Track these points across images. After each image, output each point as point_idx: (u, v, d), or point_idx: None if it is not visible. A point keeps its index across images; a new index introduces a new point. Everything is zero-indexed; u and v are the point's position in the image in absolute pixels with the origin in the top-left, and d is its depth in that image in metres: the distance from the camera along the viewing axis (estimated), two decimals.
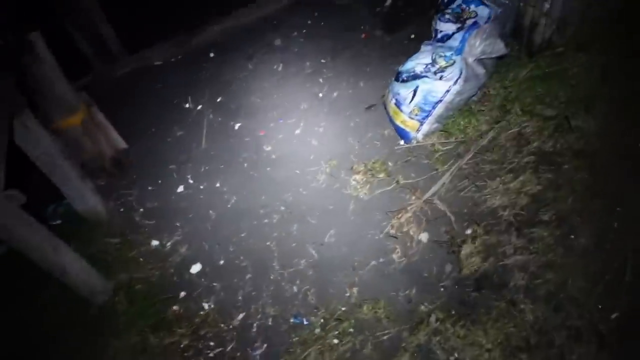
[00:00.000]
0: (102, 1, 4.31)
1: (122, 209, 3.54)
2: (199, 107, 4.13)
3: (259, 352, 2.69)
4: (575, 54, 3.08)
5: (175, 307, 2.94)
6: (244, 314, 2.85)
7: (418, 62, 3.33)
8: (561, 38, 3.21)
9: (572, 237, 2.48)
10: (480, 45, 3.18)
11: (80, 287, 2.58)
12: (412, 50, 3.59)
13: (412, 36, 4.10)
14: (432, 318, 2.45)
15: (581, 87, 2.96)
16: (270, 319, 2.79)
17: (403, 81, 3.28)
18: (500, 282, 2.47)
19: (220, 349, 2.73)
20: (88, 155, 3.54)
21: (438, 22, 3.49)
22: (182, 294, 3.01)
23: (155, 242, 3.31)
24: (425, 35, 3.67)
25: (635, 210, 2.47)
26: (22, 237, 2.23)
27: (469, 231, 2.71)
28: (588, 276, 2.35)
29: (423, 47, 3.46)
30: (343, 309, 2.68)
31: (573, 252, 2.43)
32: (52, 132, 3.25)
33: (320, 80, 4.00)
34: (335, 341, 2.55)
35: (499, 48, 3.22)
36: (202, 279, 3.06)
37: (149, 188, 3.67)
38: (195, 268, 3.14)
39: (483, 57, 3.22)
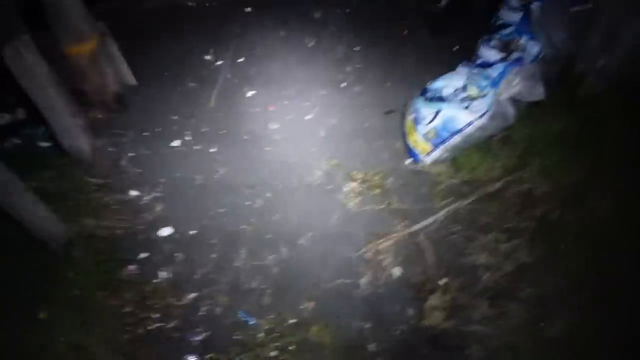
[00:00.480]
0: None
1: (111, 149, 3.43)
2: (219, 62, 3.95)
3: (197, 338, 2.61)
4: (617, 121, 2.81)
5: (131, 267, 2.86)
6: (196, 294, 2.76)
7: (449, 84, 3.12)
8: (608, 99, 2.93)
9: (544, 324, 2.30)
10: (519, 84, 2.95)
11: (33, 230, 2.50)
12: (450, 63, 3.36)
13: (456, 48, 3.82)
14: None
15: (611, 161, 2.70)
16: (219, 308, 2.70)
17: (427, 99, 3.08)
18: (456, 346, 2.34)
19: (162, 324, 2.66)
20: (91, 85, 3.43)
21: (482, 46, 3.23)
22: (143, 255, 2.92)
23: (134, 193, 3.22)
24: (469, 51, 3.41)
25: (622, 314, 2.26)
26: None
27: (442, 281, 2.55)
28: None
29: (459, 69, 3.23)
30: (293, 321, 2.58)
31: (540, 340, 2.26)
32: (57, 58, 3.16)
33: (348, 68, 3.79)
34: (273, 354, 2.46)
35: (538, 93, 2.98)
36: (168, 245, 2.97)
37: (145, 133, 3.55)
38: (165, 231, 3.04)
39: (518, 97, 2.98)
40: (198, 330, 2.63)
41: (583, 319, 2.29)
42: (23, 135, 3.44)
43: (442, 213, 2.81)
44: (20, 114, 3.59)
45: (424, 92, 3.12)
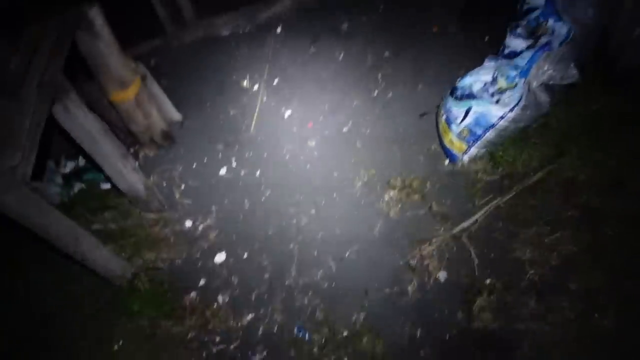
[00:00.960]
0: None
1: (164, 183, 3.65)
2: (255, 87, 4.09)
3: (258, 357, 2.75)
4: None
5: (192, 294, 3.04)
6: (253, 314, 2.90)
7: (477, 79, 3.08)
8: None
9: (596, 315, 2.24)
10: (549, 69, 2.87)
11: (99, 271, 2.73)
12: (482, 55, 3.32)
13: (487, 38, 3.77)
14: None
15: None
16: (276, 326, 2.82)
17: (457, 98, 3.06)
18: (506, 347, 2.33)
19: (224, 345, 2.82)
20: (139, 127, 3.66)
21: (508, 35, 3.18)
22: (202, 281, 3.11)
23: (188, 223, 3.41)
24: (500, 39, 3.36)
25: None
26: (44, 228, 2.36)
27: (488, 281, 2.54)
28: None
29: (486, 62, 3.18)
30: (345, 333, 2.66)
31: (592, 333, 2.21)
32: (103, 105, 3.42)
33: (379, 76, 3.82)
34: None
35: (571, 75, 2.90)
36: (224, 270, 3.14)
37: (194, 165, 3.75)
38: (220, 257, 3.21)
39: (550, 82, 2.90)
40: (258, 349, 2.77)
41: (636, 309, 2.21)
42: (85, 180, 3.74)
43: (482, 212, 2.79)
44: (82, 161, 3.90)
45: (453, 91, 3.10)
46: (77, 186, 3.77)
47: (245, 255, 3.17)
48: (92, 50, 3.12)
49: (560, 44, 2.97)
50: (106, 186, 3.69)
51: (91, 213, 3.38)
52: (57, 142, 3.85)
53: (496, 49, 3.37)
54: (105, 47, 3.15)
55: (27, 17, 2.84)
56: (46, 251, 3.16)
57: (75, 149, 3.67)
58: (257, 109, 3.94)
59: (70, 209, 3.35)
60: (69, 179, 3.79)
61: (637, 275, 2.29)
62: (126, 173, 3.17)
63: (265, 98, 4.00)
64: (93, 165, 3.70)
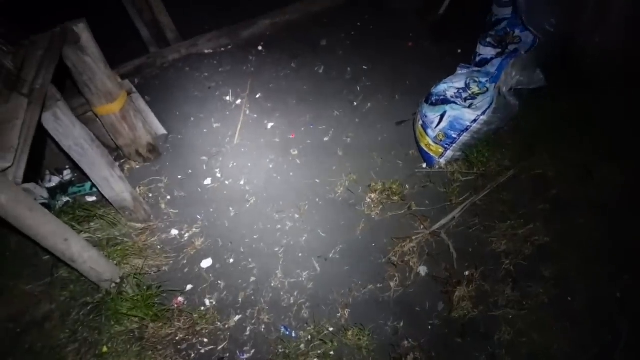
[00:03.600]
0: None
1: (150, 195, 3.72)
2: (238, 101, 4.22)
3: (246, 356, 2.79)
4: (616, 97, 2.87)
5: (180, 299, 3.08)
6: (240, 316, 2.95)
7: (451, 86, 3.24)
8: (606, 76, 3.00)
9: (569, 299, 2.37)
10: (517, 75, 3.05)
11: (87, 273, 2.77)
12: (455, 65, 3.50)
13: (459, 51, 3.98)
14: (410, 357, 2.45)
15: (616, 135, 2.76)
16: (263, 326, 2.87)
17: (432, 104, 3.21)
18: (485, 332, 2.42)
19: (212, 346, 2.85)
20: (124, 140, 3.73)
21: (478, 44, 3.37)
22: (189, 287, 3.15)
23: (175, 232, 3.46)
24: (471, 52, 3.55)
25: None
26: (34, 228, 2.41)
27: (467, 273, 2.65)
28: (576, 345, 2.24)
29: (459, 70, 3.36)
30: (331, 329, 2.72)
31: (565, 315, 2.33)
32: (90, 118, 3.50)
33: (358, 88, 3.97)
34: None
35: (538, 79, 3.08)
36: (210, 275, 3.18)
37: (179, 177, 3.83)
38: (206, 263, 3.26)
39: (519, 87, 3.08)
40: (245, 348, 2.81)
41: (606, 290, 2.33)
42: (71, 193, 3.78)
43: (460, 209, 2.92)
44: (67, 175, 3.95)
45: (428, 97, 3.25)
46: (63, 200, 3.81)
47: (232, 260, 3.23)
48: (79, 64, 3.22)
49: (527, 51, 3.17)
50: (92, 199, 3.74)
51: (78, 223, 3.42)
52: (42, 158, 3.93)
53: (468, 60, 3.57)
54: (92, 61, 3.25)
55: (18, 32, 2.95)
56: (33, 257, 3.23)
57: (63, 163, 3.81)
58: (240, 122, 4.06)
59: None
60: (54, 193, 3.83)
61: (605, 259, 2.42)
62: (113, 181, 3.23)
63: (248, 111, 4.12)
64: (79, 178, 3.80)
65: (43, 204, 3.52)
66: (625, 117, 2.78)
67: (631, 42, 2.94)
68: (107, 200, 3.37)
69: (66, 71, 3.27)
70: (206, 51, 4.73)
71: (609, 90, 2.90)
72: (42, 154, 3.89)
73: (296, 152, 3.72)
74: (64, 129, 2.86)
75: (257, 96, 4.22)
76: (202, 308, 3.02)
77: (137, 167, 3.91)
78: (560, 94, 3.06)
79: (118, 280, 2.93)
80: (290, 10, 4.73)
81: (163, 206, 3.64)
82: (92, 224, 3.45)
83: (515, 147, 3.03)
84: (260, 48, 4.60)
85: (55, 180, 3.94)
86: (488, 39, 3.34)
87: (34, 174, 3.75)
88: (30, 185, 2.34)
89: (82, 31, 3.15)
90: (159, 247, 3.39)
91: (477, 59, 3.37)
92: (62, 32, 3.06)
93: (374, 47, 4.24)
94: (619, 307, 2.29)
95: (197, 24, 4.80)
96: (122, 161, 3.92)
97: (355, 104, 3.88)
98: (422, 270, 2.79)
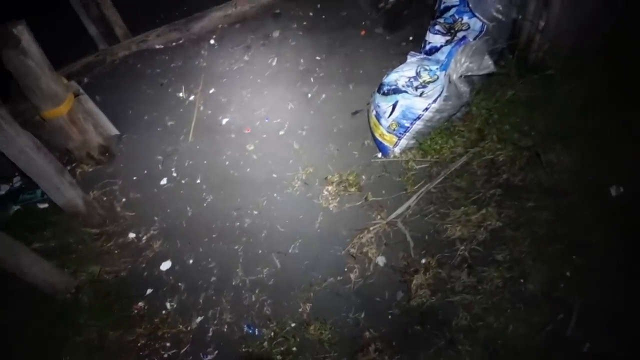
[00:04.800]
0: None
1: (105, 198, 3.64)
2: (192, 97, 4.15)
3: (210, 357, 2.77)
4: (564, 80, 2.93)
5: (140, 304, 3.04)
6: (202, 317, 2.92)
7: (402, 75, 3.24)
8: (553, 60, 3.05)
9: (522, 281, 2.42)
10: (466, 62, 3.06)
11: (40, 286, 2.70)
12: (408, 53, 3.50)
13: (411, 38, 4.00)
14: (372, 348, 2.47)
15: (562, 118, 2.82)
16: (225, 326, 2.85)
17: (384, 94, 3.21)
18: (444, 318, 2.45)
19: (175, 350, 2.82)
20: (75, 143, 3.64)
21: (428, 32, 3.38)
22: (149, 291, 3.10)
23: (132, 235, 3.41)
24: (422, 39, 3.56)
25: (591, 261, 2.38)
26: None
27: (423, 260, 2.68)
28: (531, 325, 2.30)
29: (409, 58, 3.37)
30: (293, 324, 2.72)
31: (519, 297, 2.38)
32: (37, 122, 3.39)
33: (312, 79, 3.95)
34: (279, 358, 2.60)
35: (486, 65, 3.09)
36: (170, 277, 3.15)
37: (134, 178, 3.76)
38: (166, 265, 3.22)
39: (469, 73, 3.10)
40: (209, 350, 2.79)
41: (557, 270, 2.39)
42: (21, 201, 3.67)
43: (415, 197, 2.94)
44: (17, 182, 3.83)
45: (380, 87, 3.25)
46: (14, 209, 3.70)
47: (191, 261, 3.20)
48: (20, 68, 3.11)
49: (475, 38, 3.19)
50: (43, 206, 3.64)
51: (30, 232, 3.32)
52: None
53: (420, 47, 3.58)
54: (34, 65, 3.14)
55: None
56: None
57: (12, 169, 3.67)
58: (194, 119, 3.99)
59: (7, 230, 3.27)
60: (4, 201, 3.71)
61: (557, 239, 2.48)
62: (63, 189, 3.15)
63: (202, 107, 4.06)
64: (29, 185, 3.68)
65: None
66: (571, 101, 2.84)
67: (572, 26, 3.00)
68: (58, 207, 3.28)
69: (9, 74, 3.16)
70: (157, 46, 4.63)
71: (557, 73, 2.95)
72: None
73: (252, 147, 3.68)
74: (7, 138, 2.77)
75: (211, 91, 4.16)
76: (163, 312, 2.99)
77: (90, 170, 3.83)
78: (510, 80, 3.10)
79: (73, 290, 2.87)
80: (241, 2, 4.65)
81: (118, 209, 3.57)
82: (44, 232, 3.37)
83: (467, 134, 3.06)
84: (212, 42, 4.53)
85: (4, 189, 3.82)
86: (437, 27, 3.35)
87: None
88: None
89: (22, 33, 3.04)
90: (116, 251, 3.33)
91: (427, 47, 3.38)
92: (0, 35, 2.94)
93: (326, 36, 4.21)
94: (569, 286, 2.35)
95: (146, 19, 4.68)
96: (73, 165, 3.83)
97: (309, 95, 3.86)
98: (381, 260, 2.81)
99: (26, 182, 3.79)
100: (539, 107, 2.92)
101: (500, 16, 3.18)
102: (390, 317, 2.60)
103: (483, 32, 3.22)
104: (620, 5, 2.91)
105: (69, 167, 3.73)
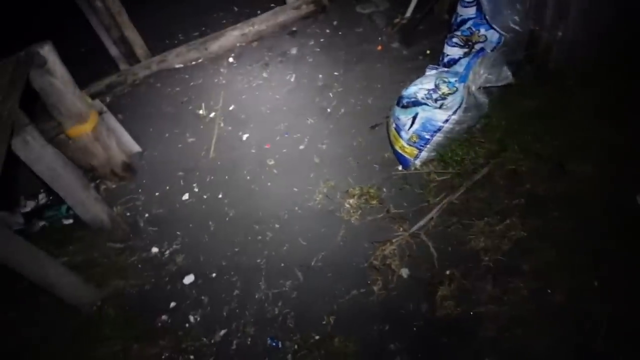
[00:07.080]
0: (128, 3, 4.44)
1: (128, 213, 3.68)
2: (212, 114, 4.21)
3: None
4: (582, 90, 2.93)
5: (163, 317, 3.05)
6: (225, 330, 2.93)
7: (421, 87, 3.27)
8: (571, 70, 3.06)
9: (549, 291, 2.40)
10: (485, 73, 3.08)
11: (67, 298, 2.74)
12: (425, 67, 3.54)
13: (428, 52, 4.03)
14: None
15: (583, 127, 2.82)
16: (249, 339, 2.85)
17: (404, 107, 3.24)
18: (469, 330, 2.43)
19: None
20: (99, 160, 3.70)
21: (446, 45, 3.41)
22: (172, 304, 3.12)
23: (155, 250, 3.44)
24: (440, 52, 3.59)
25: (618, 270, 2.36)
26: (9, 255, 2.38)
27: (447, 272, 2.67)
28: (558, 336, 2.27)
29: (428, 71, 3.40)
30: (317, 337, 2.71)
31: (546, 308, 2.36)
32: (62, 140, 3.46)
33: (330, 94, 3.99)
34: None
35: (505, 76, 3.12)
36: (193, 291, 3.16)
37: (156, 194, 3.80)
38: (188, 279, 3.24)
39: (488, 85, 3.12)
40: None
41: (584, 280, 2.37)
42: (47, 217, 3.73)
43: (437, 209, 2.94)
44: (42, 199, 3.90)
45: (399, 100, 3.28)
46: (39, 225, 3.76)
47: (214, 275, 3.21)
48: (46, 87, 3.19)
49: (493, 49, 3.22)
50: (68, 222, 3.70)
51: (56, 247, 3.37)
52: (16, 183, 3.86)
53: (437, 61, 3.61)
54: (60, 84, 3.22)
55: None
56: (10, 284, 3.17)
57: (38, 187, 3.75)
58: (215, 135, 4.05)
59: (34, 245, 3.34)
60: (30, 218, 3.77)
61: (582, 249, 2.46)
62: (89, 204, 3.20)
63: (222, 124, 4.11)
64: (54, 201, 3.75)
65: (19, 230, 3.51)
66: (590, 111, 2.84)
67: (588, 35, 3.01)
68: (83, 222, 3.33)
69: (36, 93, 3.24)
70: (177, 66, 4.72)
71: (574, 83, 2.96)
72: (16, 179, 3.82)
73: (272, 162, 3.72)
74: (35, 154, 2.83)
75: (231, 108, 4.21)
76: (187, 325, 3.00)
77: (113, 186, 3.88)
78: (529, 91, 3.11)
79: (99, 303, 2.90)
80: (258, 21, 4.73)
81: (142, 224, 3.61)
82: (70, 247, 3.41)
83: (487, 145, 3.07)
84: (231, 60, 4.61)
85: (30, 205, 3.89)
86: (454, 40, 3.39)
87: (8, 200, 3.68)
88: (4, 214, 2.30)
89: (48, 54, 3.11)
90: (139, 266, 3.36)
91: (445, 59, 3.42)
92: (28, 56, 3.03)
93: (344, 53, 4.27)
94: (597, 296, 2.33)
95: (166, 39, 4.78)
96: (97, 181, 3.88)
97: (328, 110, 3.90)
98: (404, 272, 2.81)
99: (51, 199, 3.85)
100: (560, 116, 2.92)
101: (517, 27, 3.21)
102: (415, 329, 2.59)
103: (500, 44, 3.25)
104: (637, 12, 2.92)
105: (93, 184, 3.78)
